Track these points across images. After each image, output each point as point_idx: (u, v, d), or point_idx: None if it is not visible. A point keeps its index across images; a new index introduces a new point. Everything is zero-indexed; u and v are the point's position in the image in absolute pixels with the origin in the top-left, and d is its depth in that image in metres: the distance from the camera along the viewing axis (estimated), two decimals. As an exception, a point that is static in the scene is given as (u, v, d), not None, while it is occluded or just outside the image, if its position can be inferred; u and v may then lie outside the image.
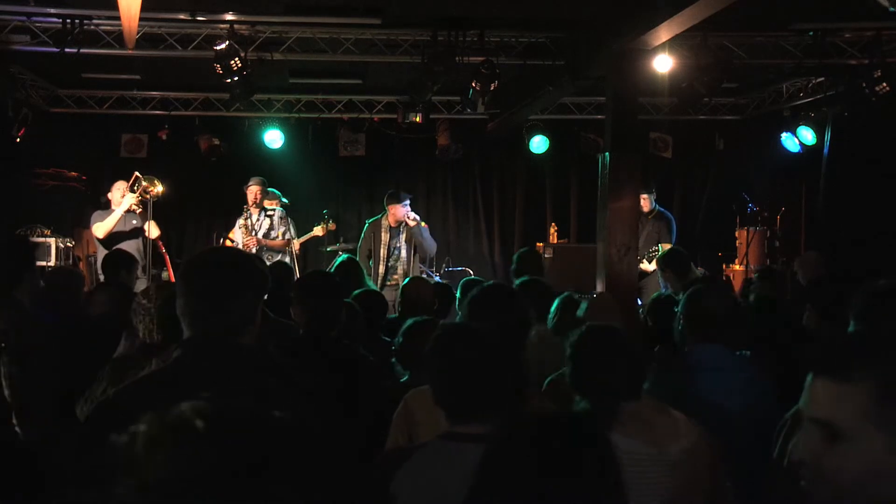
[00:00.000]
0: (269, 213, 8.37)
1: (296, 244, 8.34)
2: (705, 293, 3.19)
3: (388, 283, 8.15)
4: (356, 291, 4.58)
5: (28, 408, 3.60)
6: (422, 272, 8.57)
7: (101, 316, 4.25)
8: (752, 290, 5.95)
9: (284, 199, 8.51)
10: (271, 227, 8.40)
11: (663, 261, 6.28)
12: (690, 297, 3.17)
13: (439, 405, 2.29)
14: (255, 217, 8.42)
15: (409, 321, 3.64)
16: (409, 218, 8.25)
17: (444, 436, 2.23)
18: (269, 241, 8.34)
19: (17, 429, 3.59)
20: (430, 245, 8.44)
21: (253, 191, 8.41)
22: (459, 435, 2.18)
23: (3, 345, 3.64)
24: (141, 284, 6.49)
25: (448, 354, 2.30)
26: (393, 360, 3.47)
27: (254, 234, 8.34)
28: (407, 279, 5.81)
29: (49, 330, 3.85)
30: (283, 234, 8.33)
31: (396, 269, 8.27)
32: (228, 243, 8.53)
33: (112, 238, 7.62)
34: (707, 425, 2.60)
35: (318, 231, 8.86)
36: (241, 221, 8.41)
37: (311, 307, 3.43)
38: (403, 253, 8.29)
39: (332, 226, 8.91)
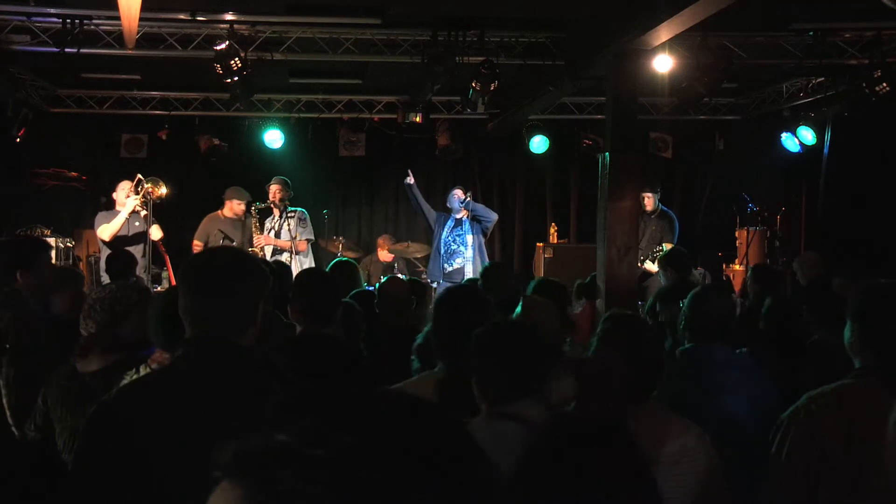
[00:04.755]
0: (290, 214, 8.42)
1: (300, 244, 8.37)
2: (706, 294, 3.30)
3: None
4: (354, 291, 4.58)
5: (26, 408, 3.59)
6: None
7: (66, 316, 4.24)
8: (748, 290, 5.97)
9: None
10: (289, 228, 8.41)
11: (665, 260, 6.29)
12: (693, 299, 3.26)
13: (485, 395, 2.38)
14: (276, 217, 8.48)
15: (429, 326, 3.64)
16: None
17: (492, 415, 2.34)
18: (278, 242, 8.39)
19: (13, 430, 3.58)
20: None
21: (272, 190, 8.49)
22: (507, 414, 2.28)
23: (6, 346, 3.64)
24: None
25: (499, 349, 2.42)
26: (412, 357, 3.47)
27: (271, 233, 8.40)
28: (385, 277, 5.97)
29: (48, 329, 3.85)
30: (301, 234, 8.36)
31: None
32: (221, 240, 8.58)
33: (117, 239, 7.64)
34: (713, 423, 2.62)
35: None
36: (254, 221, 8.47)
37: (306, 305, 3.43)
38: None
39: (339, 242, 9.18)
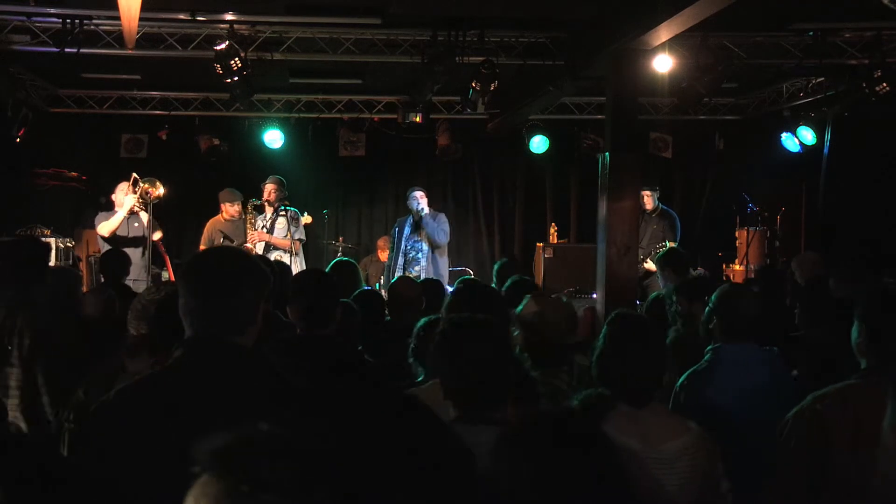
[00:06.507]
0: (281, 212, 8.42)
1: (295, 243, 8.37)
2: (736, 293, 3.33)
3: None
4: (355, 292, 4.56)
5: (37, 406, 3.62)
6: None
7: (98, 316, 4.28)
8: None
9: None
10: (282, 226, 8.42)
11: (663, 260, 6.27)
12: (722, 297, 3.28)
13: (451, 397, 2.27)
14: (268, 215, 8.48)
15: (423, 320, 3.61)
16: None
17: (459, 419, 2.23)
18: (274, 239, 8.38)
19: (22, 425, 3.60)
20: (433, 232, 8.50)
21: (268, 189, 8.48)
22: (475, 417, 2.20)
23: (9, 347, 3.64)
24: (141, 286, 6.49)
25: (462, 348, 2.30)
26: (411, 359, 3.45)
27: (263, 230, 8.40)
28: (394, 279, 5.89)
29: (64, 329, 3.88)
30: (293, 233, 8.35)
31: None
32: (220, 240, 8.56)
33: (117, 240, 7.63)
34: (732, 419, 2.62)
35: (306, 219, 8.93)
36: (249, 217, 8.46)
37: (305, 306, 3.41)
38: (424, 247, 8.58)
39: (308, 218, 8.91)
